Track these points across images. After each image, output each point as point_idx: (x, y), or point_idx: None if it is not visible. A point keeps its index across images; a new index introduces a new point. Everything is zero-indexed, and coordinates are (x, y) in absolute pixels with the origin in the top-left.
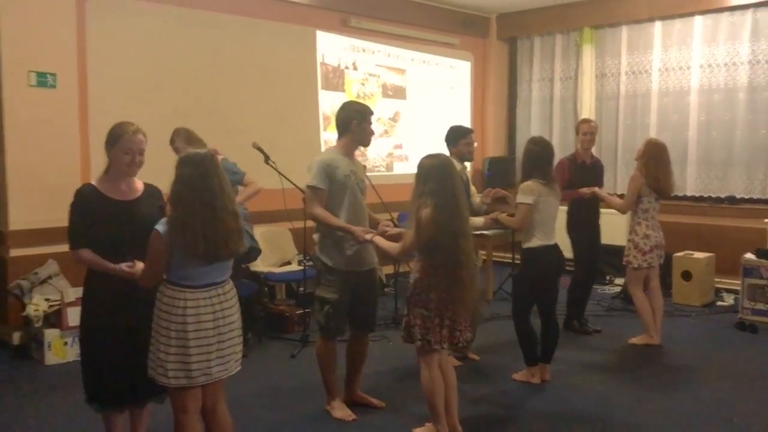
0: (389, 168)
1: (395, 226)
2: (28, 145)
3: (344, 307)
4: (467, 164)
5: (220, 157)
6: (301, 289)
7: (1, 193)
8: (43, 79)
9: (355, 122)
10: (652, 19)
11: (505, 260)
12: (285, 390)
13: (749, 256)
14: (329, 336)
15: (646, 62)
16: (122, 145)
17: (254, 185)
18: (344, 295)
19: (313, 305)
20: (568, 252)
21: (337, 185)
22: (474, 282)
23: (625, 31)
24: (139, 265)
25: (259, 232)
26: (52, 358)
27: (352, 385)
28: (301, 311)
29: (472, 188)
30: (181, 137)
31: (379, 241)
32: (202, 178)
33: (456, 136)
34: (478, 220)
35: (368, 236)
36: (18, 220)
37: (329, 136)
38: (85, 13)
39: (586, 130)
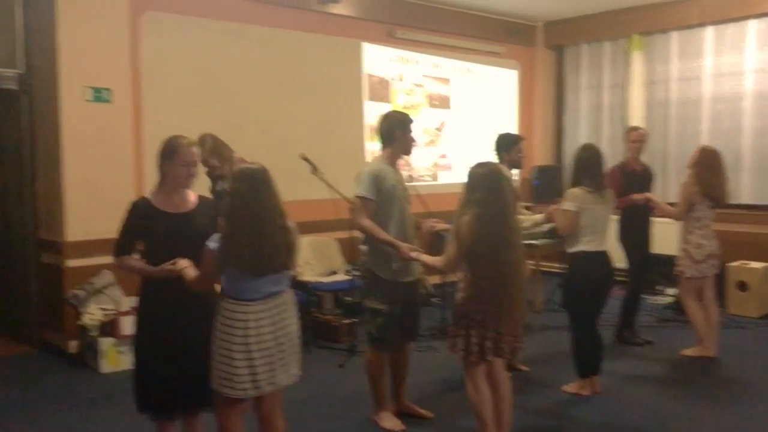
0: (434, 177)
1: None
2: (84, 159)
3: (396, 318)
4: (515, 172)
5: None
6: (349, 299)
7: (58, 205)
8: (99, 95)
9: (399, 132)
10: (703, 25)
11: (555, 270)
12: (333, 399)
13: None
14: (380, 347)
15: (698, 68)
16: (179, 158)
17: None
18: (395, 305)
19: (363, 316)
20: (621, 262)
21: (386, 195)
22: (522, 293)
23: (675, 37)
24: (181, 263)
25: (307, 241)
26: (107, 366)
27: (399, 395)
28: (349, 321)
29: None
30: (206, 149)
31: (425, 258)
32: (252, 192)
33: (508, 143)
34: (538, 217)
35: (414, 254)
36: (75, 231)
37: (375, 147)
38: (139, 29)
39: (635, 138)
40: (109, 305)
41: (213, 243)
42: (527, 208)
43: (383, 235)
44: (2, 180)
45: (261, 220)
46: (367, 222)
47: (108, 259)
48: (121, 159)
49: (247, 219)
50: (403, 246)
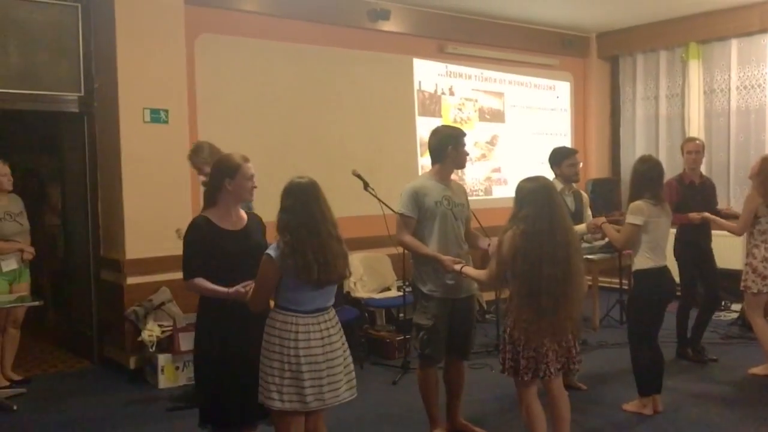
0: (488, 192)
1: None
2: (142, 178)
3: (440, 333)
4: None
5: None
6: (401, 315)
7: (118, 224)
8: (157, 116)
9: (450, 147)
10: (764, 31)
11: (612, 286)
12: (386, 417)
13: None
14: (427, 363)
15: (759, 76)
16: (244, 173)
17: None
18: (440, 321)
19: (411, 331)
20: (676, 276)
21: (427, 212)
22: (563, 309)
23: (734, 45)
24: (252, 285)
25: (359, 257)
26: (164, 381)
27: (454, 413)
28: (402, 337)
29: (588, 212)
30: (202, 157)
31: (468, 270)
32: (304, 206)
33: (559, 157)
34: (581, 227)
35: (457, 267)
36: (133, 249)
37: (426, 162)
38: (195, 50)
39: (691, 149)
40: (167, 322)
41: (273, 251)
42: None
43: (424, 249)
44: (66, 200)
45: (317, 231)
46: (407, 238)
47: (166, 276)
48: (178, 178)
49: (306, 233)
50: (446, 259)
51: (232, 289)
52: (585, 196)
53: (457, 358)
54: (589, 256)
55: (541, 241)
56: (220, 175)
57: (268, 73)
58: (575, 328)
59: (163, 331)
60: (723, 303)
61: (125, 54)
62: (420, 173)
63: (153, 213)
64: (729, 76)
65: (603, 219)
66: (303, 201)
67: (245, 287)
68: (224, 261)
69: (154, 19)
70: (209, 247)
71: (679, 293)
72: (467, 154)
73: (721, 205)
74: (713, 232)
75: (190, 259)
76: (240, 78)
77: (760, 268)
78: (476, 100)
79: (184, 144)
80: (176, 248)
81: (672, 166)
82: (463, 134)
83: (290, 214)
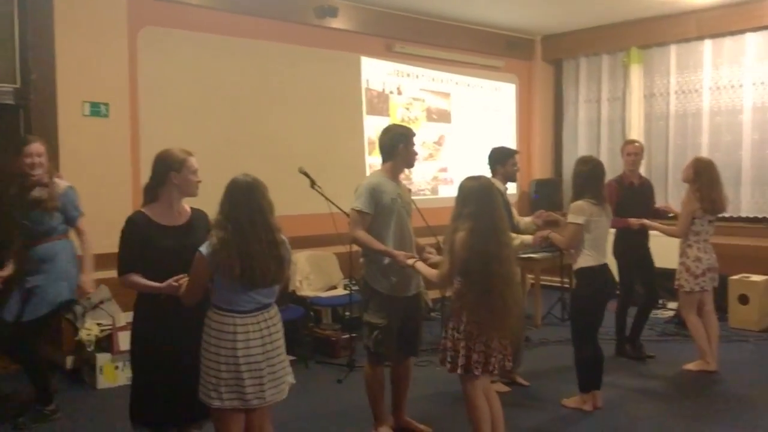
0: (434, 191)
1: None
2: (81, 174)
3: (393, 332)
4: (509, 185)
5: (65, 185)
6: (347, 313)
7: None
8: (97, 109)
9: (401, 146)
10: (701, 38)
11: (554, 284)
12: (332, 415)
13: None
14: (377, 361)
15: (697, 81)
16: (189, 167)
17: (85, 235)
18: (393, 320)
19: (362, 330)
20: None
21: (384, 209)
22: (511, 308)
23: (673, 50)
24: (185, 280)
25: (305, 256)
26: (103, 382)
27: (399, 410)
28: (348, 336)
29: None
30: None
31: (421, 266)
32: (240, 205)
33: (504, 156)
34: (527, 238)
35: (410, 261)
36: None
37: (374, 161)
38: (137, 43)
39: (631, 151)
40: (105, 320)
41: (205, 249)
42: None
43: (378, 245)
44: (1, 194)
45: (247, 234)
46: (361, 234)
47: (105, 274)
48: (119, 174)
49: (236, 231)
50: (399, 254)
51: (164, 284)
52: (512, 194)
53: (406, 355)
54: (532, 255)
55: (488, 239)
56: (165, 169)
57: (212, 68)
58: (516, 326)
59: (101, 330)
60: (660, 301)
61: (64, 45)
62: (368, 172)
63: (92, 209)
64: (668, 80)
65: (549, 231)
66: (240, 200)
67: (177, 281)
68: (161, 257)
69: (95, 10)
70: (145, 243)
71: (618, 292)
72: (416, 154)
73: (660, 203)
74: (651, 232)
75: (124, 255)
76: (184, 72)
77: (693, 267)
78: (424, 100)
79: (125, 139)
80: (116, 245)
81: (612, 168)
82: (413, 134)
83: (225, 213)
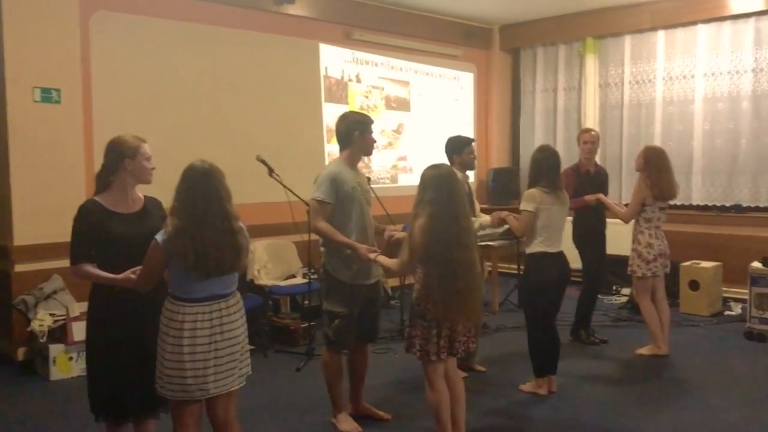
0: (394, 180)
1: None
2: (32, 161)
3: (353, 320)
4: (469, 174)
5: None
6: (306, 302)
7: (5, 209)
8: (48, 95)
9: (357, 133)
10: (654, 29)
11: (511, 271)
12: (290, 403)
13: (756, 264)
14: (336, 349)
15: (650, 71)
16: (143, 153)
17: None
18: (353, 308)
19: (321, 319)
20: (576, 263)
21: (345, 198)
22: (474, 292)
23: (628, 41)
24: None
25: (263, 244)
26: (57, 373)
27: (357, 397)
28: (306, 324)
29: (476, 203)
30: None
31: (383, 260)
32: (195, 192)
33: (461, 145)
34: (485, 219)
35: (372, 255)
36: (23, 235)
37: (333, 149)
38: (89, 28)
39: (587, 139)
40: (59, 311)
41: (160, 237)
42: (483, 210)
43: (340, 237)
44: None
45: (202, 221)
46: (323, 224)
47: (58, 264)
48: (72, 161)
49: (191, 219)
50: (362, 247)
51: (120, 275)
52: (471, 183)
53: (364, 343)
54: (490, 243)
55: (448, 225)
56: (118, 156)
57: (168, 53)
58: (477, 310)
59: (55, 321)
60: (614, 287)
61: (13, 29)
62: (327, 160)
63: (44, 197)
64: (622, 70)
65: (507, 212)
66: (196, 186)
67: (134, 272)
68: (115, 245)
69: None
70: (98, 232)
71: (580, 279)
72: (374, 141)
73: (613, 193)
74: (608, 220)
75: (77, 244)
76: (138, 58)
77: (644, 253)
78: (383, 88)
79: (78, 125)
80: (68, 234)
81: (568, 157)
82: (371, 121)
83: (181, 199)
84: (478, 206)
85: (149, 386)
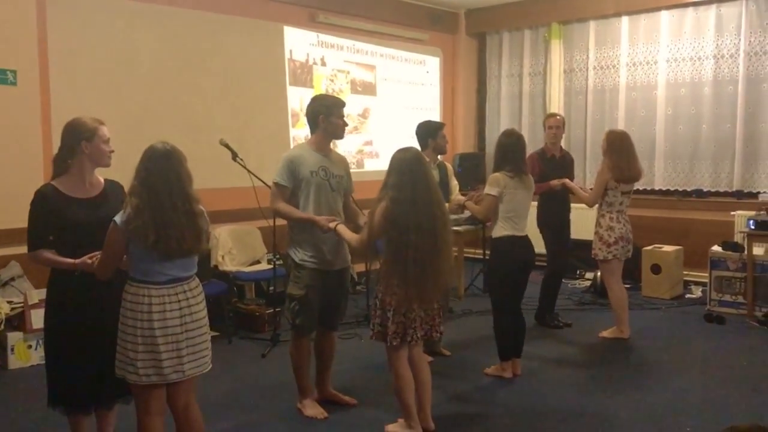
0: (360, 165)
1: None
2: None
3: (312, 304)
4: (440, 158)
5: None
6: (271, 288)
7: None
8: (3, 77)
9: (321, 117)
10: (618, 15)
11: (477, 256)
12: (256, 389)
13: (716, 248)
14: (300, 333)
15: (614, 57)
16: (101, 135)
17: None
18: (311, 291)
19: (285, 302)
20: (540, 247)
21: (302, 182)
22: (434, 279)
23: (592, 27)
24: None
25: (227, 230)
26: (15, 362)
27: (323, 383)
28: (271, 311)
29: (454, 182)
30: None
31: (342, 229)
32: (154, 173)
33: (434, 129)
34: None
35: (332, 225)
36: None
37: (298, 133)
38: (46, 7)
39: (552, 124)
40: (17, 298)
41: (119, 218)
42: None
43: (298, 213)
44: None
45: (163, 201)
46: (281, 205)
47: (15, 250)
48: (29, 145)
49: (151, 199)
50: (320, 218)
51: (78, 260)
52: (449, 166)
53: (327, 329)
54: (456, 228)
55: (407, 209)
56: (75, 138)
57: (128, 34)
58: (442, 297)
59: (12, 308)
60: (578, 272)
61: None
62: (292, 144)
63: (0, 182)
64: (587, 56)
65: (464, 198)
66: (157, 167)
67: (92, 258)
68: (73, 231)
69: None
70: (56, 217)
71: (543, 263)
72: (344, 125)
73: (578, 178)
74: (573, 205)
75: (35, 230)
76: (97, 39)
77: (606, 236)
78: (348, 72)
79: (35, 107)
80: (26, 220)
81: (534, 141)
82: (341, 104)
83: (141, 179)
84: (457, 187)
85: (111, 374)
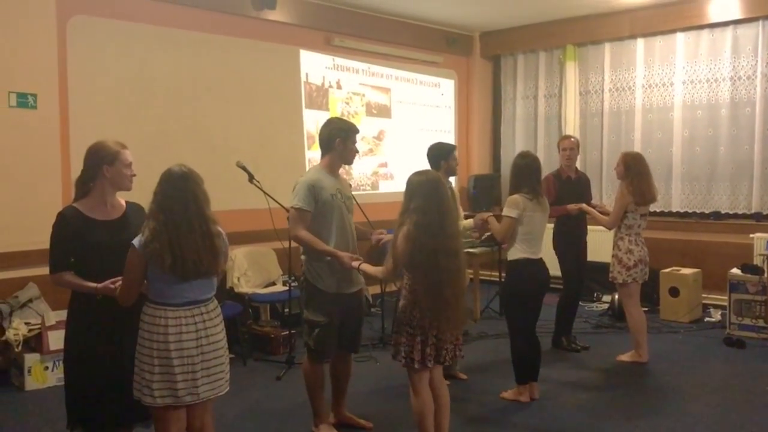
0: (374, 187)
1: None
2: (8, 167)
3: (334, 329)
4: (452, 180)
5: None
6: (287, 310)
7: None
8: (24, 100)
9: (338, 140)
10: (633, 37)
11: (493, 278)
12: (271, 412)
13: (735, 271)
14: (317, 358)
15: (630, 79)
16: (122, 159)
17: None
18: (334, 317)
19: (302, 328)
20: (555, 269)
21: (324, 206)
22: (460, 300)
23: (607, 48)
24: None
25: (243, 252)
26: (32, 383)
27: (339, 405)
28: (287, 332)
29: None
30: None
31: (366, 267)
32: (173, 195)
33: (447, 151)
34: (468, 222)
35: (355, 264)
36: None
37: (313, 155)
38: (66, 32)
39: (566, 146)
40: (34, 319)
41: (137, 241)
42: (465, 216)
43: (322, 245)
44: None
45: (179, 224)
46: (303, 233)
47: (33, 272)
48: (48, 167)
49: (168, 221)
50: (344, 255)
51: (100, 285)
52: (455, 189)
53: (346, 352)
54: (471, 250)
55: (434, 232)
56: (98, 162)
57: (146, 59)
58: (463, 317)
59: (30, 330)
60: (595, 294)
61: None
62: (308, 166)
63: (19, 204)
64: (602, 78)
65: (490, 213)
66: (174, 189)
67: (114, 283)
68: (95, 253)
69: None
70: (78, 240)
71: (559, 286)
72: (356, 151)
73: (595, 201)
74: (589, 227)
75: (57, 251)
76: (116, 63)
77: (625, 259)
78: (363, 95)
79: (55, 131)
80: (45, 242)
81: (549, 163)
82: (355, 130)
83: (158, 202)
84: (461, 211)
85: (129, 396)
